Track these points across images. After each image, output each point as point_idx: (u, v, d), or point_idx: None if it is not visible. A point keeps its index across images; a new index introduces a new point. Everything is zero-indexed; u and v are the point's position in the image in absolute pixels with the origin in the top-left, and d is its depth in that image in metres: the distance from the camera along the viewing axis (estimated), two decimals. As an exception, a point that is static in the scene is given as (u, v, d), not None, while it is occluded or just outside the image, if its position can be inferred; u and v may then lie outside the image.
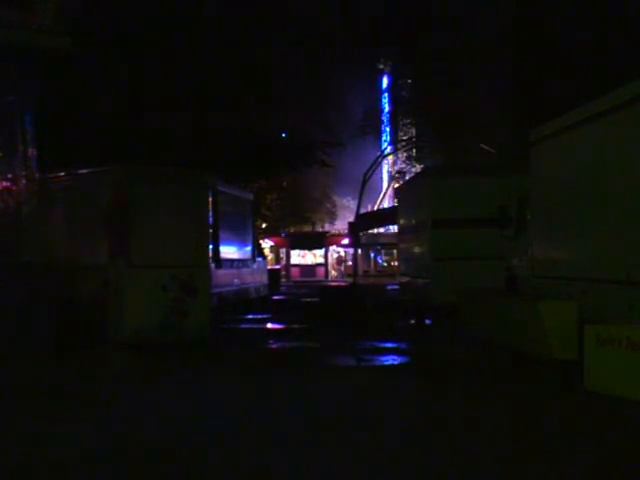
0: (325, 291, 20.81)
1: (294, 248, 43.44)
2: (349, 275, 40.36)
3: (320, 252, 44.03)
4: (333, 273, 45.70)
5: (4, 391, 8.10)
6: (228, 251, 16.24)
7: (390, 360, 10.66)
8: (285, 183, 39.89)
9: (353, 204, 40.66)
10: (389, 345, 12.06)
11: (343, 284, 32.69)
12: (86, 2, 17.00)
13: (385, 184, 65.15)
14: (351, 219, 34.40)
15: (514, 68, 19.27)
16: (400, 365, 10.31)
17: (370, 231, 43.06)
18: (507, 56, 19.34)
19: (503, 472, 5.22)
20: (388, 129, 41.26)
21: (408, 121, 33.09)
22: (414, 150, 35.19)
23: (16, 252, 10.33)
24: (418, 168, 33.84)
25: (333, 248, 46.33)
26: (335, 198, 59.60)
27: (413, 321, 16.03)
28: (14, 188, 10.26)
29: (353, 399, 7.77)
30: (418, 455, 5.64)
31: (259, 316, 17.20)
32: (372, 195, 60.24)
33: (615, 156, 8.88)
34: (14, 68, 10.38)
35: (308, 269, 43.52)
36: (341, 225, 55.73)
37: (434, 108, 26.38)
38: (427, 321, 15.67)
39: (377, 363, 10.44)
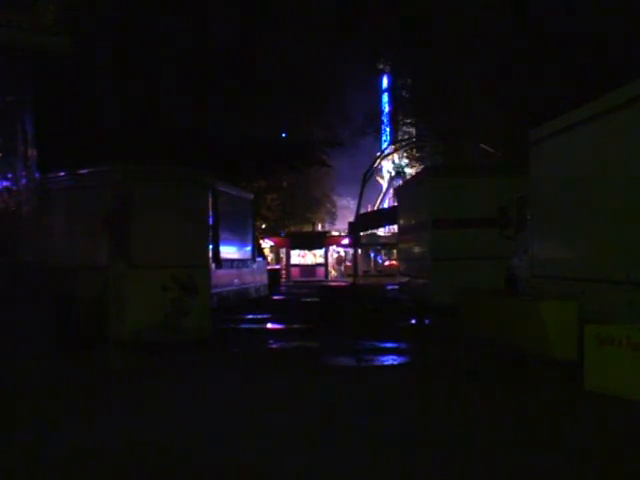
0: (325, 291, 20.82)
1: (294, 248, 43.43)
2: (349, 275, 40.33)
3: (320, 252, 44.03)
4: (333, 273, 45.68)
5: (4, 390, 8.10)
6: (228, 251, 16.23)
7: (390, 360, 10.66)
8: (285, 183, 39.89)
9: (353, 204, 40.64)
10: (389, 345, 12.07)
11: (343, 284, 32.67)
12: (86, 3, 17.04)
13: (385, 184, 65.12)
14: (351, 219, 34.36)
15: (514, 68, 19.27)
16: (400, 365, 10.31)
17: (370, 231, 43.04)
18: (507, 55, 19.33)
19: (503, 471, 5.22)
20: (388, 129, 41.26)
21: (408, 121, 33.08)
22: (414, 150, 35.18)
23: (16, 252, 10.32)
24: (418, 168, 33.84)
25: (333, 248, 46.32)
26: (335, 198, 59.61)
27: (413, 321, 16.03)
28: (14, 188, 10.25)
29: (353, 399, 7.78)
30: (417, 454, 5.64)
31: (259, 316, 17.20)
32: (372, 195, 60.29)
33: (615, 156, 8.88)
34: (14, 68, 10.37)
35: (308, 269, 43.52)
36: (341, 225, 55.72)
37: (434, 108, 26.38)
38: (427, 321, 15.67)
39: (377, 363, 10.44)
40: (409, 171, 41.10)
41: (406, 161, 40.41)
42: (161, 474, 5.30)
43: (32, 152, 10.49)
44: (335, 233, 49.97)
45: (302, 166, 29.61)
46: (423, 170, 23.04)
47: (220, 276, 15.24)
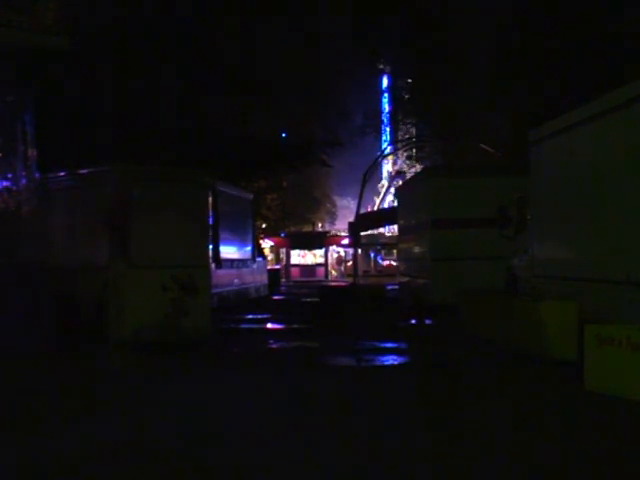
0: (325, 291, 20.82)
1: (294, 248, 43.43)
2: (349, 275, 40.33)
3: (320, 252, 44.03)
4: (333, 273, 45.68)
5: (4, 390, 8.10)
6: (228, 251, 16.24)
7: (390, 360, 10.66)
8: (285, 183, 39.90)
9: (353, 204, 40.66)
10: (389, 345, 12.07)
11: (343, 284, 32.66)
12: (86, 3, 17.03)
13: (385, 184, 65.13)
14: (351, 219, 34.36)
15: (514, 67, 19.27)
16: (400, 365, 10.32)
17: (370, 231, 43.04)
18: (507, 55, 19.33)
19: (502, 471, 5.22)
20: (388, 129, 41.27)
21: (408, 121, 33.08)
22: (414, 150, 35.19)
23: (16, 252, 10.33)
24: (418, 168, 33.84)
25: (333, 248, 46.31)
26: (335, 198, 59.66)
27: (413, 321, 16.02)
28: (14, 188, 10.26)
29: (353, 399, 7.78)
30: (417, 454, 5.64)
31: (259, 316, 17.20)
32: (372, 195, 60.32)
33: (615, 156, 8.88)
34: (14, 68, 10.37)
35: (308, 269, 43.52)
36: (341, 225, 55.73)
37: (434, 108, 26.39)
38: (427, 321, 15.66)
39: (377, 363, 10.44)
40: (407, 166, 41.16)
41: (407, 162, 40.41)
42: (161, 474, 5.30)
43: (32, 152, 10.50)
44: (335, 233, 49.94)
45: (302, 166, 29.63)
46: (423, 170, 23.03)
47: (220, 276, 15.25)
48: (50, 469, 5.39)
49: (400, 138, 35.83)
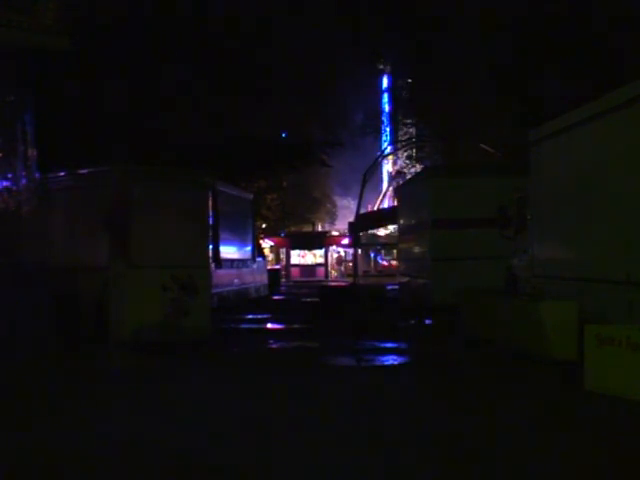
0: (325, 291, 20.82)
1: (294, 248, 43.47)
2: (349, 275, 40.33)
3: (320, 252, 44.06)
4: (333, 273, 45.70)
5: (4, 390, 8.10)
6: (228, 251, 16.24)
7: (390, 360, 10.66)
8: (285, 183, 39.92)
9: (353, 204, 40.64)
10: (389, 345, 12.07)
11: (343, 284, 32.66)
12: (86, 3, 17.04)
13: (385, 184, 65.09)
14: (351, 219, 34.38)
15: (514, 67, 19.27)
16: (400, 365, 10.31)
17: (370, 231, 43.03)
18: (507, 55, 19.33)
19: (502, 472, 5.22)
20: (388, 129, 41.28)
21: (408, 121, 33.09)
22: (414, 150, 35.18)
23: (16, 252, 10.32)
24: (418, 168, 33.83)
25: (333, 248, 46.33)
26: (335, 198, 59.64)
27: (413, 321, 16.02)
28: (14, 188, 10.25)
29: (353, 399, 7.78)
30: (417, 455, 5.64)
31: (259, 316, 17.20)
32: (372, 195, 60.25)
33: (615, 156, 8.88)
34: (14, 68, 10.37)
35: (308, 269, 43.56)
36: (341, 225, 55.74)
37: (434, 108, 26.39)
38: (427, 321, 15.66)
39: (377, 363, 10.44)
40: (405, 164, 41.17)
41: (407, 162, 40.42)
42: (161, 474, 5.30)
43: (32, 152, 10.50)
44: (335, 233, 49.95)
45: (302, 166, 29.65)
46: (423, 170, 23.02)
47: (220, 276, 15.25)
48: (50, 469, 5.38)
49: (400, 138, 35.82)
